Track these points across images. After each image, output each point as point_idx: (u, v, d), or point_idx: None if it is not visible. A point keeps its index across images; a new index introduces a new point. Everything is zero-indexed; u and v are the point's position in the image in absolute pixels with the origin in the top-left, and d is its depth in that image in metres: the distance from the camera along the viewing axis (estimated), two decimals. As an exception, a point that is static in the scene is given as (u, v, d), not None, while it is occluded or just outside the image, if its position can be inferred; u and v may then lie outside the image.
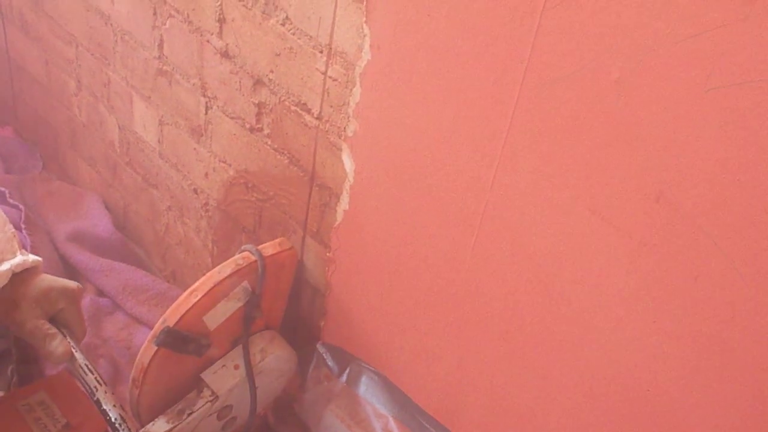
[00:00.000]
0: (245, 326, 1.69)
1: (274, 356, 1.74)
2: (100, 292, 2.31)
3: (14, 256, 1.41)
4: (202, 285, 1.59)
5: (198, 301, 1.57)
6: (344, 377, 1.77)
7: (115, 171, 2.47)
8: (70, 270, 2.34)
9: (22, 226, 2.35)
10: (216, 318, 1.63)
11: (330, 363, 1.80)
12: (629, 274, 1.14)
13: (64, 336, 1.38)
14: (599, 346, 1.22)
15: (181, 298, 1.59)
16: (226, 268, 1.60)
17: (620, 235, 1.13)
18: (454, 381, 1.52)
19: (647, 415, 1.19)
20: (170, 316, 1.58)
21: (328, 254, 1.68)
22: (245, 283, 1.63)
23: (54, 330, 1.38)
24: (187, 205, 2.15)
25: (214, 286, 1.58)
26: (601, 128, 1.10)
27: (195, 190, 2.08)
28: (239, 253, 1.64)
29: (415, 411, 1.64)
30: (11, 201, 2.46)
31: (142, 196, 2.37)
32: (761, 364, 1.04)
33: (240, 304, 1.65)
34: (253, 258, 1.63)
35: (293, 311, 1.86)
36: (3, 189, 2.50)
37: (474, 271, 1.38)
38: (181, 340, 1.59)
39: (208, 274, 1.60)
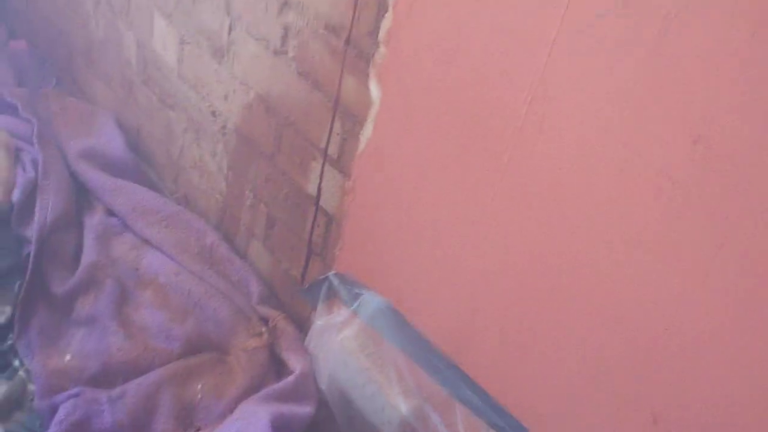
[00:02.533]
0: None
1: None
2: (110, 212, 2.28)
3: None
4: None
5: None
6: (355, 307, 1.75)
7: (131, 90, 2.43)
8: (80, 188, 2.32)
9: (35, 140, 2.32)
10: None
11: (342, 292, 1.79)
12: (661, 218, 1.12)
13: None
14: (618, 287, 1.20)
15: None
16: None
17: (653, 176, 1.11)
18: (465, 317, 1.50)
19: (663, 356, 1.18)
20: None
21: (348, 183, 1.66)
22: None
23: None
24: (204, 128, 2.12)
25: None
26: (642, 66, 1.07)
27: (213, 113, 2.05)
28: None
29: (425, 345, 1.63)
30: (23, 115, 2.43)
31: (157, 116, 2.34)
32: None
33: None
34: None
35: (307, 238, 1.84)
36: (15, 102, 2.46)
37: (496, 210, 1.35)
38: None
39: None
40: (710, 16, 0.98)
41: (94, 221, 2.23)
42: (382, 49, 1.45)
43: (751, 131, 0.98)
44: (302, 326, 1.93)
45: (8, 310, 1.99)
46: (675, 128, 1.06)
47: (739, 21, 0.96)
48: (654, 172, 1.10)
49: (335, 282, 1.80)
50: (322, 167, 1.72)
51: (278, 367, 1.91)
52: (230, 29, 1.85)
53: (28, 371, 1.86)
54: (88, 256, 2.12)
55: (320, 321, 1.85)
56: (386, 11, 1.41)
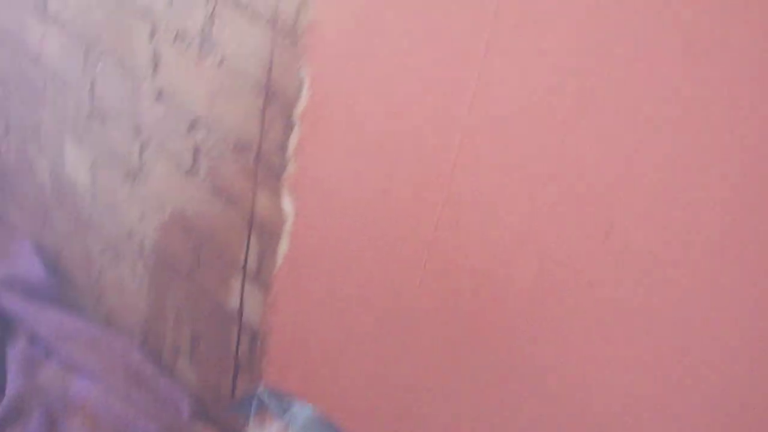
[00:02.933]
0: None
1: None
2: (33, 339, 2.24)
3: None
4: None
5: None
6: (286, 420, 1.74)
7: (47, 214, 2.41)
8: (1, 317, 2.28)
9: (-50, 271, 2.29)
10: None
11: (273, 405, 1.77)
12: (578, 312, 1.14)
13: None
14: (555, 386, 1.22)
15: None
16: None
17: (570, 273, 1.13)
18: (401, 425, 1.50)
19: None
20: None
21: (269, 297, 1.65)
22: None
23: None
24: (121, 248, 2.11)
25: None
26: (548, 166, 1.10)
27: (129, 233, 2.04)
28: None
29: (360, 453, 1.62)
30: (-63, 247, 2.39)
31: (75, 239, 2.32)
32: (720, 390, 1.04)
33: None
34: None
35: (233, 353, 1.83)
36: (-72, 234, 2.43)
37: (420, 313, 1.37)
38: None
39: None
40: (605, 116, 1.02)
41: (16, 350, 2.19)
42: (291, 165, 1.47)
43: (656, 221, 1.01)
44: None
45: None
46: (586, 223, 1.09)
47: (634, 113, 0.99)
48: (572, 270, 1.13)
49: (265, 395, 1.78)
50: (242, 283, 1.72)
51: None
52: (141, 150, 1.85)
53: None
54: (12, 387, 2.07)
55: (252, 436, 1.83)
56: (293, 127, 1.43)
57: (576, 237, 1.10)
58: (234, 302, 1.76)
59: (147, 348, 2.16)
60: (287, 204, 1.51)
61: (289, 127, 1.44)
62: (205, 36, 1.54)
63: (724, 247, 0.97)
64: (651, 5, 0.95)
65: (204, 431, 1.94)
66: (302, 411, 1.71)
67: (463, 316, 1.30)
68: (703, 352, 1.03)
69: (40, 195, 2.40)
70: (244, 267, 1.69)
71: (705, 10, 0.91)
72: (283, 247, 1.56)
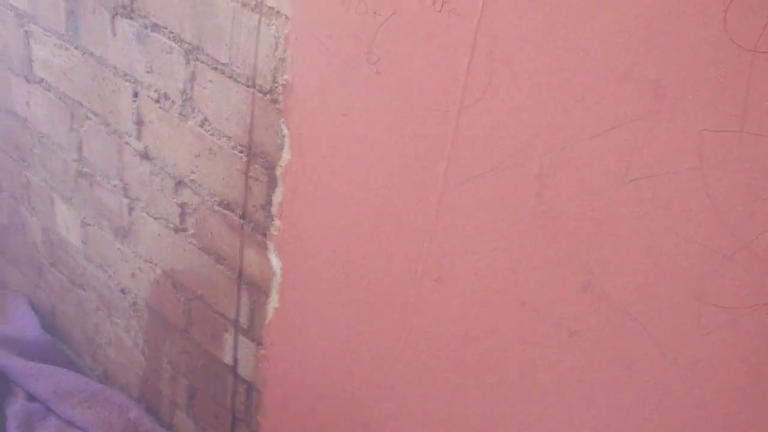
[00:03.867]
0: None
1: None
2: (31, 397, 2.25)
3: None
4: None
5: None
6: (285, 472, 1.74)
7: (41, 272, 2.42)
8: (-2, 377, 2.29)
9: (-54, 335, 2.29)
10: None
11: (270, 459, 1.78)
12: (561, 362, 1.15)
13: None
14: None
15: None
16: None
17: (550, 325, 1.14)
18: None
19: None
20: None
21: (261, 351, 1.66)
22: None
23: None
24: (115, 305, 2.11)
25: None
26: (524, 221, 1.11)
27: (122, 290, 2.05)
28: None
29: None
30: (-67, 311, 2.40)
31: (69, 296, 2.33)
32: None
33: None
34: None
35: (229, 407, 1.83)
36: (-76, 297, 2.44)
37: (408, 364, 1.37)
38: None
39: None
40: (578, 169, 1.03)
41: (15, 409, 2.19)
42: (276, 222, 1.48)
43: (635, 272, 1.02)
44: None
45: None
46: (564, 276, 1.10)
47: (607, 166, 1.00)
48: (552, 321, 1.13)
49: (262, 449, 1.79)
50: (235, 337, 1.72)
51: None
52: (130, 210, 1.86)
53: None
54: (12, 447, 2.08)
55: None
56: (276, 185, 1.44)
57: (555, 287, 1.11)
58: (228, 356, 1.77)
59: (145, 403, 2.16)
60: (274, 259, 1.52)
61: (272, 185, 1.46)
62: (187, 97, 1.55)
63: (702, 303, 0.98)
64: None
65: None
66: (300, 462, 1.71)
67: (448, 366, 1.31)
68: (682, 405, 1.04)
69: (33, 254, 2.41)
70: (236, 321, 1.70)
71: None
72: (273, 301, 1.57)
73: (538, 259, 1.12)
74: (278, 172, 1.43)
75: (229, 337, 1.75)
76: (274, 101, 1.38)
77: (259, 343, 1.67)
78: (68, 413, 2.17)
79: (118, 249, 1.98)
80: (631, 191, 1.00)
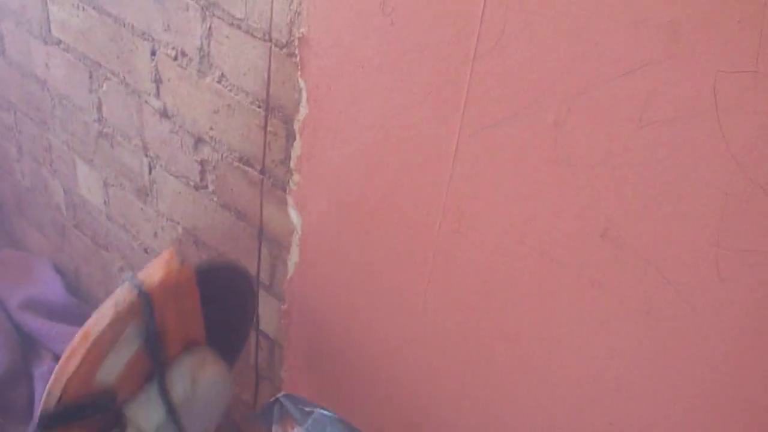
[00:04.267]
0: (155, 360, 1.44)
1: (206, 381, 1.52)
2: (58, 359, 2.27)
3: None
4: (79, 344, 1.32)
5: (80, 364, 1.32)
6: (308, 426, 1.75)
7: (64, 234, 2.44)
8: (26, 338, 2.31)
9: (-27, 298, 2.32)
10: (112, 370, 1.37)
11: (293, 413, 1.79)
12: (580, 311, 1.15)
13: None
14: (559, 382, 1.23)
15: (60, 364, 1.34)
16: (104, 315, 1.33)
17: (570, 274, 1.14)
18: (419, 425, 1.51)
19: None
20: (53, 387, 1.34)
21: (283, 307, 1.67)
22: (132, 324, 1.36)
23: None
24: (138, 265, 2.13)
25: (94, 343, 1.32)
26: (542, 169, 1.11)
27: (145, 250, 2.06)
28: (120, 286, 1.38)
29: (383, 456, 1.64)
30: (-40, 274, 2.42)
31: (92, 258, 2.35)
32: (714, 389, 1.05)
33: (136, 345, 1.39)
34: (135, 293, 1.34)
35: (253, 363, 1.85)
36: (-50, 262, 2.46)
37: (429, 316, 1.38)
38: (73, 412, 1.36)
39: (84, 327, 1.34)
40: (595, 115, 1.02)
41: (43, 370, 2.22)
42: (295, 176, 1.48)
43: (652, 218, 1.02)
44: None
45: None
46: (582, 224, 1.09)
47: (623, 112, 1.00)
48: (574, 270, 1.13)
49: (286, 403, 1.80)
50: (257, 293, 1.73)
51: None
52: (150, 168, 1.87)
53: None
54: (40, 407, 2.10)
55: (276, 444, 1.85)
56: (294, 139, 1.45)
57: (574, 236, 1.11)
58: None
59: (170, 361, 2.18)
60: (294, 214, 1.53)
61: (290, 139, 1.46)
62: (204, 53, 1.55)
63: (723, 246, 0.98)
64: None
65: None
66: (323, 417, 1.72)
67: (469, 318, 1.31)
68: (701, 351, 1.04)
69: (56, 216, 2.42)
70: (257, 278, 1.71)
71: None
72: (294, 256, 1.58)
73: (556, 208, 1.12)
74: (296, 126, 1.43)
75: (251, 294, 1.76)
76: (291, 55, 1.38)
77: (280, 299, 1.68)
78: (94, 373, 2.20)
79: (140, 209, 2.00)
80: (647, 136, 0.99)
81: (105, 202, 2.13)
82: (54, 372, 1.34)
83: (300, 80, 1.38)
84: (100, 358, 1.34)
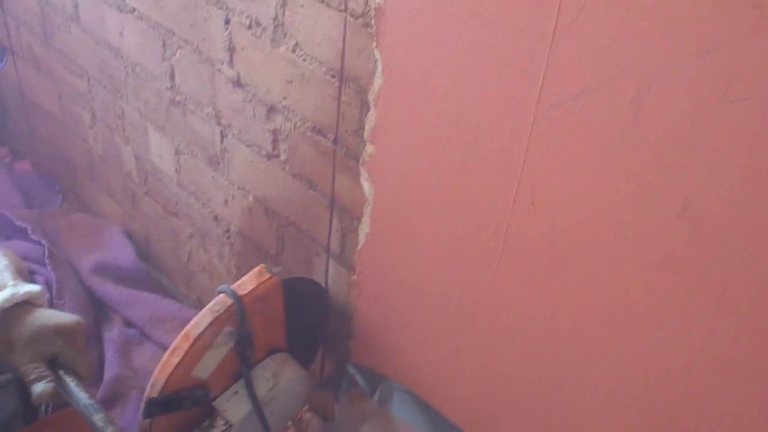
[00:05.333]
0: (243, 361, 1.65)
1: (287, 380, 1.70)
2: (128, 323, 2.31)
3: (3, 288, 1.33)
4: (182, 342, 1.55)
5: (181, 360, 1.54)
6: (376, 396, 1.76)
7: (135, 201, 2.47)
8: (96, 303, 2.35)
9: (46, 261, 2.35)
10: (207, 367, 1.59)
11: (361, 383, 1.80)
12: (654, 290, 1.13)
13: (61, 377, 1.32)
14: (628, 360, 1.22)
15: (164, 359, 1.55)
16: (203, 319, 1.56)
17: (644, 252, 1.12)
18: (486, 396, 1.51)
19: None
20: (157, 379, 1.54)
21: (353, 277, 1.68)
22: (228, 328, 1.58)
23: (41, 372, 1.30)
24: (208, 233, 2.15)
25: (195, 341, 1.54)
26: (620, 145, 1.09)
27: (215, 218, 2.08)
28: (216, 294, 1.60)
29: (450, 427, 1.63)
30: (33, 237, 2.46)
31: (162, 224, 2.37)
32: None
33: (228, 347, 1.61)
34: (231, 301, 1.57)
35: (321, 333, 1.86)
36: (25, 225, 2.50)
37: (499, 289, 1.37)
38: (173, 402, 1.57)
39: (187, 327, 1.56)
40: (676, 92, 1.01)
41: (113, 334, 2.25)
42: (369, 147, 1.48)
43: (733, 198, 1.00)
44: (326, 418, 1.93)
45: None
46: (659, 202, 1.08)
47: (706, 89, 0.98)
48: (649, 249, 1.12)
49: (353, 373, 1.81)
50: (327, 263, 1.74)
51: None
52: (222, 137, 1.88)
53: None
54: (110, 370, 2.14)
55: (343, 412, 1.86)
56: (368, 110, 1.44)
57: (650, 214, 1.09)
58: (320, 282, 1.79)
59: (238, 328, 2.20)
60: (366, 185, 1.53)
61: (364, 110, 1.45)
62: (278, 23, 1.55)
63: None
64: None
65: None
66: (391, 387, 1.73)
67: (539, 292, 1.30)
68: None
69: (128, 183, 2.45)
70: (328, 247, 1.71)
71: None
72: (365, 227, 1.58)
73: (633, 185, 1.10)
74: (370, 97, 1.43)
75: (320, 263, 1.76)
76: (367, 25, 1.37)
77: (350, 269, 1.68)
78: (164, 338, 2.23)
79: (211, 176, 2.01)
80: (729, 114, 0.97)
81: (176, 170, 2.15)
82: (158, 366, 1.55)
83: (375, 51, 1.38)
84: (198, 356, 1.56)
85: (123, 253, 2.48)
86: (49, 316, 1.33)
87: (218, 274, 2.20)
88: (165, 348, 2.17)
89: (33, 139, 2.94)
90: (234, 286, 1.60)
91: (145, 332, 2.26)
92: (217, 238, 2.12)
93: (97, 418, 1.30)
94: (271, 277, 1.63)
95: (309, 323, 1.85)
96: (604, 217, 1.15)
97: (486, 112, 1.25)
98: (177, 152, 2.11)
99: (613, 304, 1.20)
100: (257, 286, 1.61)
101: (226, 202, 2.00)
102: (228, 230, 2.05)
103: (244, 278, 1.63)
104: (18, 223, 2.52)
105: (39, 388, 1.28)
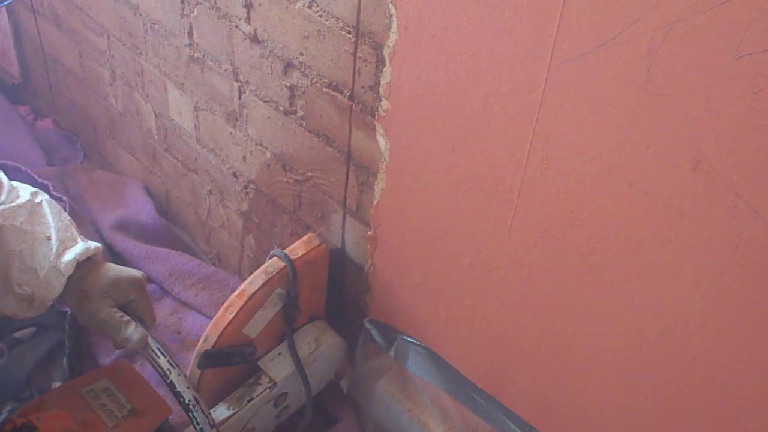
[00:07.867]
0: (288, 324, 1.75)
1: (326, 345, 1.81)
2: (148, 279, 2.33)
3: (75, 243, 1.42)
4: (236, 299, 1.63)
5: (234, 316, 1.63)
6: (392, 352, 1.78)
7: (155, 158, 2.49)
8: (116, 258, 2.37)
9: (67, 217, 2.38)
10: (256, 326, 1.69)
11: (377, 338, 1.82)
12: (668, 243, 1.14)
13: (137, 323, 1.42)
14: (642, 314, 1.22)
15: (218, 315, 1.64)
16: (257, 279, 1.64)
17: (658, 205, 1.12)
18: (500, 352, 1.53)
19: (691, 382, 1.20)
20: (210, 334, 1.64)
21: (369, 232, 1.69)
22: (279, 290, 1.68)
23: (128, 318, 1.40)
24: (227, 189, 2.16)
25: (249, 299, 1.63)
26: (633, 99, 1.09)
27: (234, 174, 2.09)
28: (269, 258, 1.68)
29: (463, 383, 1.65)
30: (54, 193, 2.48)
31: (182, 181, 2.39)
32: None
33: (277, 308, 1.71)
34: (283, 264, 1.66)
35: (338, 289, 1.87)
36: (46, 182, 2.52)
37: (514, 244, 1.38)
38: (224, 356, 1.66)
39: (241, 287, 1.65)
40: (690, 44, 1.00)
41: (133, 289, 2.27)
42: (384, 103, 1.48)
43: (746, 151, 1.00)
44: (340, 375, 1.96)
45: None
46: (673, 156, 1.08)
47: (720, 41, 0.98)
48: (663, 201, 1.12)
49: (370, 329, 1.83)
50: (343, 219, 1.75)
51: (322, 417, 1.93)
52: (240, 93, 1.89)
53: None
54: (130, 325, 2.16)
55: (359, 368, 1.88)
56: (384, 65, 1.45)
57: (664, 167, 1.10)
58: (336, 238, 1.80)
59: (256, 284, 2.22)
60: (382, 141, 1.53)
61: (380, 66, 1.46)
62: (295, -22, 1.56)
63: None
64: None
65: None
66: (407, 343, 1.75)
67: (554, 247, 1.31)
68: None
69: (148, 140, 2.47)
70: (344, 203, 1.72)
71: None
72: (381, 182, 1.59)
73: (647, 138, 1.10)
74: (386, 52, 1.43)
75: (337, 219, 1.78)
76: (382, -20, 1.38)
77: (366, 225, 1.69)
78: (183, 294, 2.25)
79: (230, 133, 2.02)
80: (743, 67, 0.97)
81: (195, 126, 2.16)
82: (211, 321, 1.65)
83: (390, 6, 1.38)
84: (249, 315, 1.66)
85: (143, 210, 2.50)
86: (119, 269, 1.46)
87: (237, 230, 2.21)
88: (184, 303, 2.20)
89: (54, 97, 2.96)
90: (287, 251, 1.69)
91: (165, 288, 2.28)
92: (235, 194, 2.13)
93: (164, 362, 1.41)
94: (320, 245, 1.73)
95: (342, 296, 1.91)
96: (618, 172, 1.16)
97: (500, 66, 1.25)
98: (196, 109, 2.12)
99: (628, 258, 1.21)
100: (307, 252, 1.70)
101: (244, 158, 2.01)
102: (246, 186, 2.06)
103: (294, 244, 1.71)
104: (40, 180, 2.54)
105: (136, 334, 1.39)
